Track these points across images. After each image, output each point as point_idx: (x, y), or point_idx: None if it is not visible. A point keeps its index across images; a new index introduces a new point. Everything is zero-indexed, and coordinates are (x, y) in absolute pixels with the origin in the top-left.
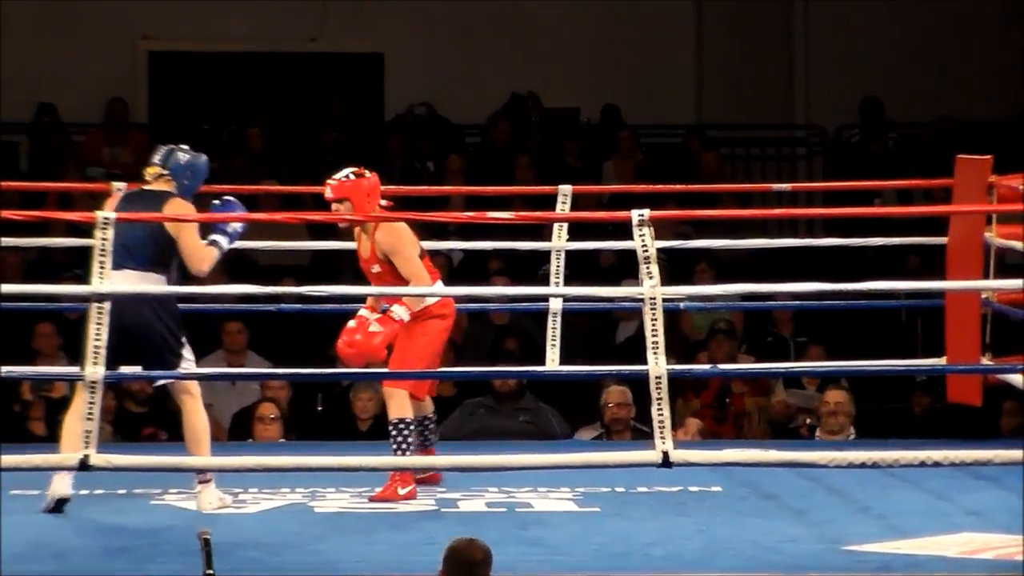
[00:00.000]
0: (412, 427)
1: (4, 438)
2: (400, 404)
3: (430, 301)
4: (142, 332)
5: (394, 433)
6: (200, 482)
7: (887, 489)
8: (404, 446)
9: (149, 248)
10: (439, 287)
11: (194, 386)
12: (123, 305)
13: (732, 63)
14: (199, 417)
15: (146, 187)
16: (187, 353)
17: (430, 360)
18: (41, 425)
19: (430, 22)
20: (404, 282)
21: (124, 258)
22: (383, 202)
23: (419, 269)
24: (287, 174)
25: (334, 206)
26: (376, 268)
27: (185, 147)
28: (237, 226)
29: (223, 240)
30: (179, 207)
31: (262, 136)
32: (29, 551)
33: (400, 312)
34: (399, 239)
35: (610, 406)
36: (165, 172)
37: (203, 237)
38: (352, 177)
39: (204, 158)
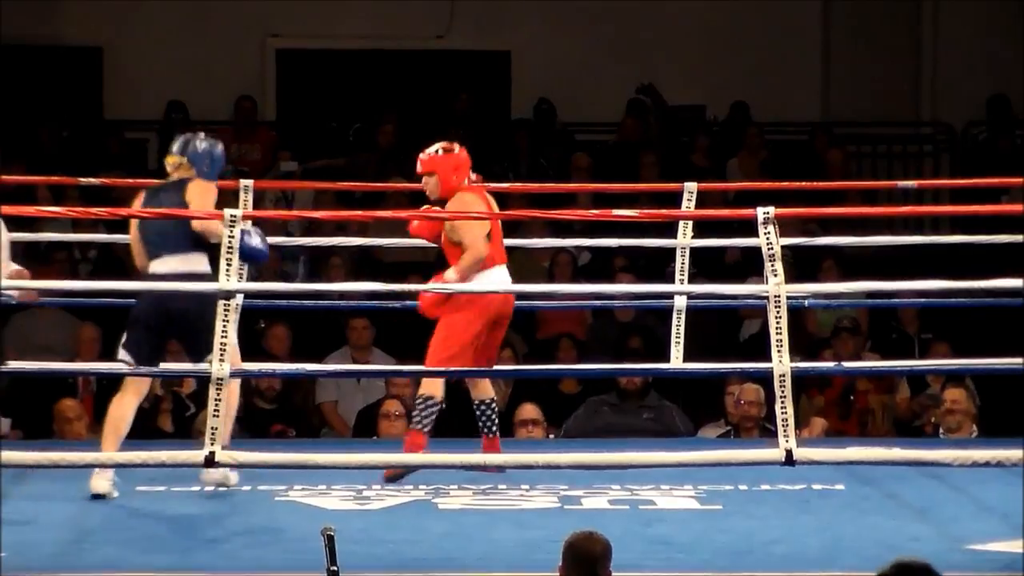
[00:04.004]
0: (434, 406)
1: (131, 433)
2: (428, 381)
3: (471, 287)
4: (190, 318)
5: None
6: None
7: (1011, 487)
8: (421, 422)
9: (182, 231)
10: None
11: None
12: (172, 295)
13: (859, 60)
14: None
15: (168, 179)
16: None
17: (452, 351)
18: (168, 421)
19: (557, 20)
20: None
21: (160, 247)
22: (472, 176)
23: (475, 239)
24: (414, 171)
25: (424, 179)
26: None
27: (202, 135)
28: (253, 245)
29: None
30: (200, 187)
31: (391, 133)
32: (152, 546)
33: (449, 274)
34: (463, 207)
35: (742, 403)
36: (184, 160)
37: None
38: (441, 152)
39: (221, 145)
